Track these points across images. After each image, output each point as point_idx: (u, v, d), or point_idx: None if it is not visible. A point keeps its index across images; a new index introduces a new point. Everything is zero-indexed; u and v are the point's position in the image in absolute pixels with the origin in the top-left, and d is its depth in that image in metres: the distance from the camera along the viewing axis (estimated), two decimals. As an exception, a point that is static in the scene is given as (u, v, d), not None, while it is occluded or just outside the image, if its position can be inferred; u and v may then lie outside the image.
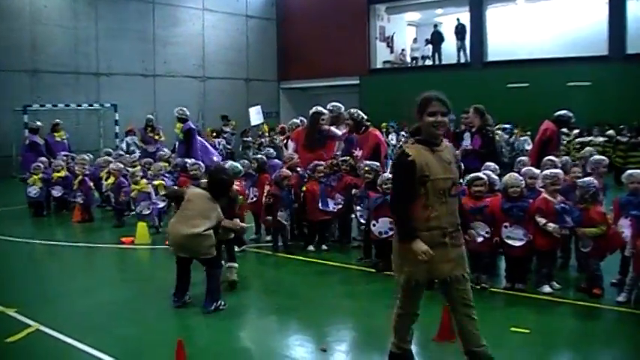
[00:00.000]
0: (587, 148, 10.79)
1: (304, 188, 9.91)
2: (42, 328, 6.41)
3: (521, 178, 7.73)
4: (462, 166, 8.68)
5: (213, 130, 22.88)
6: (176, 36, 28.66)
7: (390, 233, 8.27)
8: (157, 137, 16.44)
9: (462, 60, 28.93)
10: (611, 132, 19.17)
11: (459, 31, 28.89)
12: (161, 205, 11.78)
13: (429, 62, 30.87)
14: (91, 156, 14.78)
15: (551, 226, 7.29)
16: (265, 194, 9.88)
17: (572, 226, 7.42)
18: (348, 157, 10.03)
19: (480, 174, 7.96)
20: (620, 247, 7.47)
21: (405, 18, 33.38)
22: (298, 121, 12.03)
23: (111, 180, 12.62)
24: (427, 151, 4.61)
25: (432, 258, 4.53)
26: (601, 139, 19.18)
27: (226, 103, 28.55)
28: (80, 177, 13.24)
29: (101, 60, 25.94)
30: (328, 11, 31.10)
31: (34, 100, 23.19)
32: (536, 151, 10.72)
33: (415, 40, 32.54)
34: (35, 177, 13.73)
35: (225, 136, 23.00)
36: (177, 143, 14.78)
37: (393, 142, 22.30)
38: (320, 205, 9.69)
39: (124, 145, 19.63)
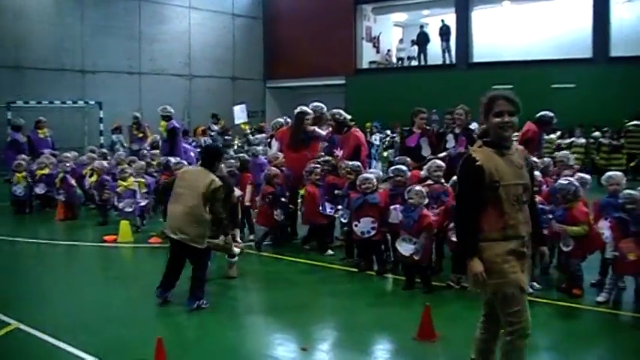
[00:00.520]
0: (562, 152, 10.78)
1: (302, 191, 9.88)
2: (22, 326, 6.37)
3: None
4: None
5: (201, 128, 22.77)
6: (162, 33, 28.55)
7: (373, 233, 8.34)
8: (141, 135, 16.39)
9: (447, 61, 29.02)
10: (596, 134, 19.30)
11: (444, 32, 28.96)
12: (144, 203, 11.74)
13: (414, 63, 30.92)
14: (75, 153, 14.71)
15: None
16: (261, 195, 9.90)
17: (550, 227, 7.47)
18: (329, 158, 10.05)
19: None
20: (600, 248, 7.54)
21: (391, 18, 33.41)
22: (282, 120, 12.04)
23: (94, 178, 12.57)
24: (496, 154, 4.27)
25: (512, 268, 4.20)
26: (583, 140, 19.29)
27: (212, 102, 28.41)
28: (61, 174, 13.17)
29: (86, 57, 25.78)
30: (315, 11, 31.09)
31: (18, 96, 22.98)
32: None
33: (401, 41, 32.57)
34: (19, 175, 13.65)
35: (212, 134, 22.93)
36: (160, 142, 14.76)
37: (377, 142, 22.33)
38: (320, 208, 9.61)
39: (111, 142, 19.53)
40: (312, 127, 10.48)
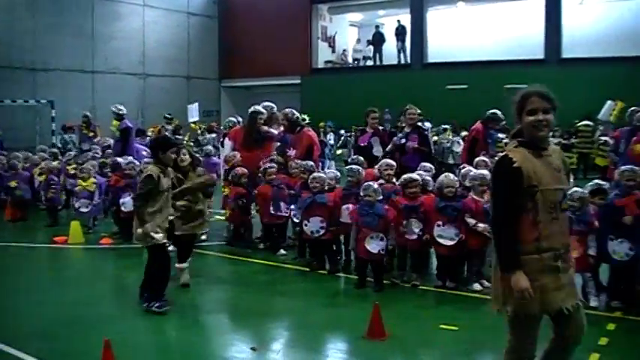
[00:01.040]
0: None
1: (256, 191, 9.84)
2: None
3: (456, 178, 7.88)
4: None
5: (156, 128, 22.56)
6: (116, 31, 28.23)
7: (322, 232, 8.35)
8: (91, 134, 16.17)
9: (403, 61, 29.23)
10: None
11: (400, 32, 29.20)
12: (96, 201, 11.56)
13: (370, 63, 31.09)
14: (28, 154, 14.42)
15: (480, 226, 7.43)
16: (234, 197, 9.81)
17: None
18: (277, 157, 10.07)
19: (415, 175, 8.08)
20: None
21: (347, 18, 33.59)
22: (235, 119, 11.99)
23: (43, 177, 12.38)
24: (533, 155, 3.85)
25: (543, 286, 3.79)
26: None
27: (166, 101, 28.17)
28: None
29: (38, 55, 25.31)
30: (271, 10, 31.09)
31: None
32: (465, 151, 11.22)
33: (359, 41, 32.71)
34: (-35, 176, 13.35)
35: (165, 134, 22.72)
36: (113, 141, 14.56)
37: (332, 141, 22.36)
38: (272, 209, 9.53)
39: (63, 142, 19.20)
40: (266, 128, 10.46)
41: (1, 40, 24.26)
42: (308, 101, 28.17)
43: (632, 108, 11.15)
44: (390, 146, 10.23)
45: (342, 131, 23.50)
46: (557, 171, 3.89)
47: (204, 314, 7.12)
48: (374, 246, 7.61)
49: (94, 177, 11.65)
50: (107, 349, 5.02)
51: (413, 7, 28.21)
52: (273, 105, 11.01)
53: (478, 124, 11.13)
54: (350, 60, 32.30)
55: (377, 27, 30.99)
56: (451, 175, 7.90)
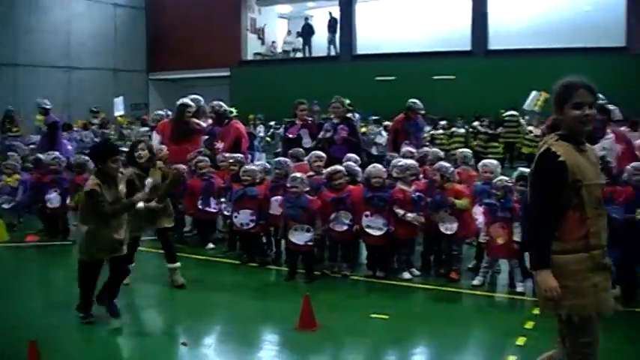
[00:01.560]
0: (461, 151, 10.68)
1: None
2: None
3: (384, 169, 7.93)
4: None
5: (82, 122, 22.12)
6: (40, 23, 27.31)
7: (251, 225, 8.32)
8: (15, 129, 15.78)
9: (333, 53, 29.33)
10: (475, 123, 19.90)
11: (332, 24, 29.27)
12: (19, 197, 11.25)
13: (299, 55, 31.11)
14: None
15: (410, 215, 7.54)
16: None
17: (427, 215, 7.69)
18: (205, 149, 9.99)
19: (338, 166, 8.11)
20: (476, 233, 7.81)
21: (276, 10, 33.51)
22: (163, 112, 11.86)
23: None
24: (575, 150, 3.66)
25: (596, 285, 3.61)
26: (463, 130, 19.90)
27: (93, 94, 27.44)
28: None
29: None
30: (199, 2, 30.76)
31: None
32: (390, 142, 11.61)
33: (289, 33, 32.67)
34: None
35: (93, 128, 22.32)
36: (40, 136, 14.20)
37: (261, 134, 22.32)
38: (200, 203, 9.42)
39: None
40: (195, 120, 10.35)
41: None
42: (237, 93, 28.00)
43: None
44: (318, 137, 10.27)
45: (272, 123, 23.45)
46: (596, 166, 3.78)
47: (131, 311, 6.96)
48: (299, 237, 7.64)
49: (19, 173, 11.35)
50: (32, 349, 4.91)
51: (342, -1, 28.38)
52: (201, 98, 10.92)
53: (400, 115, 11.50)
54: (280, 52, 32.24)
55: (306, 19, 31.02)
56: (379, 166, 7.95)
